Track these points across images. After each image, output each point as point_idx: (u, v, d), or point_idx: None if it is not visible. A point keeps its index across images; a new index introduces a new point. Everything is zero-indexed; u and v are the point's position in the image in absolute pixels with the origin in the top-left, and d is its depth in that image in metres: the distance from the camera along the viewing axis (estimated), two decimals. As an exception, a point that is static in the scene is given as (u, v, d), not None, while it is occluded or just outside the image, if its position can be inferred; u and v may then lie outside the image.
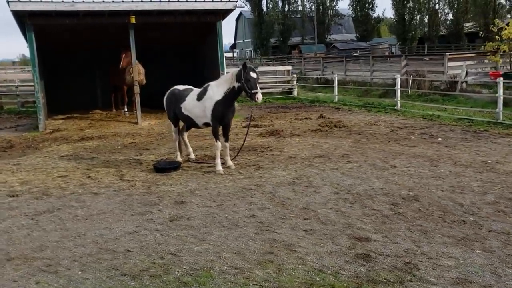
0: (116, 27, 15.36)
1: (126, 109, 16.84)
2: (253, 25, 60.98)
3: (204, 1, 14.51)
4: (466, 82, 20.32)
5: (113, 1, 13.62)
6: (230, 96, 8.05)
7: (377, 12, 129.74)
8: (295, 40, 63.53)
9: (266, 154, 9.75)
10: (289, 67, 24.80)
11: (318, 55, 52.53)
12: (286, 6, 62.08)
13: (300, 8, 63.64)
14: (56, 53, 17.06)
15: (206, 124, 8.53)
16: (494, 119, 12.94)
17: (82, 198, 6.90)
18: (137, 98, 14.86)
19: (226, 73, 9.26)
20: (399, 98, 16.78)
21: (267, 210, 6.05)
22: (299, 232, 5.22)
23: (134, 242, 5.09)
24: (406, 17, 63.35)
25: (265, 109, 18.18)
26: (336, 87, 20.76)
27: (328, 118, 14.98)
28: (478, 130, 11.86)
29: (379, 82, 25.46)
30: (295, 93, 23.25)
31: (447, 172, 7.75)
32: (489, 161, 8.42)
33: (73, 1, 13.18)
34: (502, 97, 12.82)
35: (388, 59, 36.59)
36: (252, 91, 7.63)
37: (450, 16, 60.18)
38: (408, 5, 63.43)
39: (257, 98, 7.64)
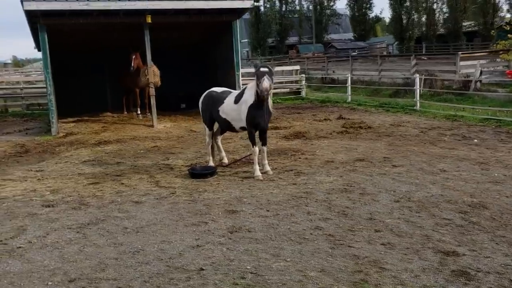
0: (128, 27, 14.88)
1: (139, 112, 16.33)
2: (250, 25, 60.47)
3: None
4: (480, 81, 20.04)
5: (129, 0, 13.14)
6: (260, 99, 7.62)
7: (375, 11, 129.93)
8: (292, 40, 63.15)
9: (299, 158, 9.34)
10: (297, 67, 24.39)
11: (316, 54, 52.26)
12: (283, 6, 61.65)
13: (297, 7, 63.27)
14: (64, 54, 16.50)
15: (243, 128, 8.12)
16: (524, 119, 12.63)
17: (124, 208, 6.45)
18: (153, 101, 14.39)
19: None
20: (418, 98, 16.44)
21: (331, 221, 5.63)
22: (377, 247, 4.81)
23: (202, 258, 4.64)
24: (404, 17, 63.31)
25: (277, 110, 17.75)
26: (349, 87, 20.40)
27: (348, 119, 14.59)
28: (510, 131, 11.53)
29: (388, 81, 25.16)
30: (303, 93, 22.87)
31: (502, 176, 7.38)
32: (540, 164, 8.07)
33: (88, 0, 12.67)
34: (531, 97, 12.49)
35: (386, 58, 36.39)
36: (258, 82, 7.19)
37: (448, 15, 60.05)
38: (405, 4, 63.37)
39: (263, 85, 7.11)
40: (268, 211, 6.07)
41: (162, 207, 6.43)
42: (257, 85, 7.29)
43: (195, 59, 19.46)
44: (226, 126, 8.31)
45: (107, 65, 17.99)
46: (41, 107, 20.15)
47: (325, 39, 62.88)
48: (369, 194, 6.67)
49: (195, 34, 17.70)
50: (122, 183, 7.89)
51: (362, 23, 65.36)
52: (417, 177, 7.47)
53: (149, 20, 13.51)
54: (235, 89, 15.37)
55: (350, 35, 66.11)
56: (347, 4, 64.81)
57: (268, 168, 8.13)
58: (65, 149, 11.51)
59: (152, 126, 14.42)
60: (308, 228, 5.38)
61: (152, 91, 14.34)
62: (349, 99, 20.02)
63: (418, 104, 16.31)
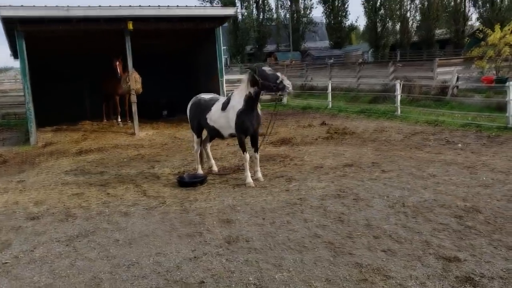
0: (108, 34, 14.63)
1: (119, 119, 16.02)
2: (228, 32, 60.51)
3: (204, 7, 13.95)
4: (457, 87, 20.41)
5: (110, 7, 12.91)
6: (250, 104, 7.54)
7: (350, 19, 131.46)
8: (270, 47, 63.46)
9: (289, 164, 9.27)
10: (278, 74, 24.33)
11: (294, 62, 52.57)
12: (261, 13, 61.97)
13: (274, 16, 63.66)
14: (40, 61, 16.09)
15: (232, 135, 7.99)
16: (503, 124, 12.85)
17: (113, 219, 6.23)
18: (134, 108, 14.13)
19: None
20: (399, 104, 16.61)
21: (328, 228, 5.55)
22: (378, 254, 4.74)
23: (201, 270, 4.49)
24: (378, 24, 64.38)
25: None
26: (330, 94, 20.52)
27: (332, 125, 14.63)
28: (491, 136, 11.70)
29: (366, 88, 25.40)
30: (285, 100, 22.87)
31: (490, 180, 7.44)
32: (526, 167, 8.18)
33: (68, 7, 12.39)
34: (511, 102, 12.73)
35: (362, 65, 36.81)
36: (277, 81, 7.10)
37: (421, 23, 61.33)
38: (380, 12, 64.48)
39: (288, 85, 7.08)
40: (264, 219, 5.95)
41: (153, 217, 6.24)
42: (271, 85, 7.16)
43: (177, 65, 19.29)
44: (215, 133, 8.17)
45: (86, 72, 17.62)
46: (17, 116, 19.60)
47: (302, 47, 63.42)
48: (363, 199, 6.63)
49: (177, 41, 17.53)
50: (108, 193, 7.66)
51: (338, 31, 66.12)
52: (408, 182, 7.47)
53: (130, 27, 13.30)
54: (219, 95, 15.33)
55: (326, 43, 66.82)
56: (323, 12, 65.52)
57: (259, 175, 8.01)
58: (45, 159, 11.17)
59: (134, 134, 14.15)
60: (307, 236, 5.28)
61: (133, 98, 14.09)
62: (330, 106, 20.12)
63: (399, 110, 16.48)
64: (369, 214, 5.98)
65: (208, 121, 8.01)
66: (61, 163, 10.60)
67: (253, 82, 7.31)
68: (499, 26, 22.95)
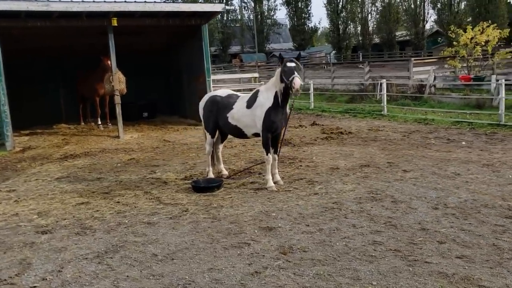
0: (88, 32, 13.73)
1: (100, 122, 15.10)
2: (191, 33, 59.56)
3: (191, 3, 13.32)
4: (434, 86, 20.66)
5: (93, 1, 12.07)
6: (280, 101, 7.05)
7: (313, 21, 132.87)
8: (235, 49, 63.04)
9: (301, 165, 8.85)
10: (256, 74, 23.96)
11: (259, 63, 52.35)
12: (225, 15, 61.41)
13: (239, 17, 63.29)
14: (12, 60, 14.92)
15: (256, 135, 7.47)
16: (495, 121, 12.94)
17: (138, 230, 5.59)
18: (118, 109, 13.30)
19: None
20: (385, 103, 16.55)
21: (384, 233, 5.15)
22: (455, 260, 4.38)
23: (271, 287, 3.96)
24: (341, 27, 65.29)
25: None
26: (312, 94, 20.28)
27: (323, 125, 14.37)
28: (488, 133, 11.72)
29: (342, 88, 25.39)
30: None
31: (517, 178, 7.29)
32: (543, 164, 8.11)
33: (48, 0, 11.47)
34: (504, 99, 12.84)
35: (324, 66, 36.86)
36: (289, 78, 6.60)
37: (382, 25, 62.61)
38: (342, 14, 65.39)
39: (294, 83, 6.53)
40: (308, 225, 5.48)
41: (183, 227, 5.64)
42: (284, 83, 6.68)
43: (159, 65, 18.48)
44: (237, 133, 7.61)
45: (62, 72, 16.54)
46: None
47: (266, 49, 63.38)
48: (402, 202, 6.28)
49: (159, 39, 16.76)
50: (118, 202, 6.97)
51: (302, 33, 66.59)
52: (437, 182, 7.20)
53: (115, 23, 12.50)
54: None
55: (290, 44, 67.12)
56: (286, 14, 65.81)
57: (278, 177, 7.54)
58: (28, 165, 10.24)
59: (118, 137, 13.33)
60: (367, 243, 4.86)
61: (117, 99, 13.26)
62: (312, 106, 19.87)
63: (385, 109, 16.41)
64: (418, 218, 5.63)
65: (230, 120, 7.43)
66: (48, 169, 9.73)
67: (281, 77, 6.82)
68: (471, 27, 23.47)
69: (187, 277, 4.25)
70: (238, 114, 7.31)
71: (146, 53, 17.82)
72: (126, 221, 5.98)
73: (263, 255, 4.65)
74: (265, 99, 7.04)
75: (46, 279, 4.34)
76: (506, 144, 10.10)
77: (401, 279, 4.00)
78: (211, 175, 8.04)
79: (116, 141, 13.00)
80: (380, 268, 4.22)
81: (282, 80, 6.81)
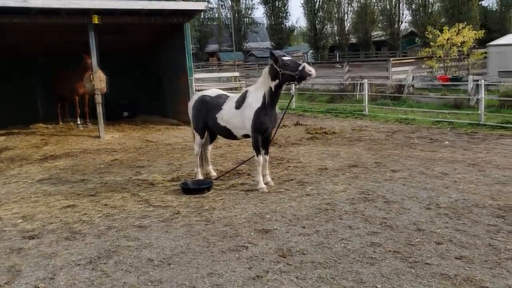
0: (68, 29, 13.38)
1: (79, 122, 14.75)
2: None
3: (174, 0, 13.15)
4: (413, 86, 20.95)
5: (74, -3, 11.76)
6: (270, 101, 6.98)
7: (291, 21, 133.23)
8: (212, 47, 62.74)
9: (289, 166, 8.81)
10: (236, 73, 23.84)
11: (237, 62, 52.27)
12: (203, 13, 60.99)
13: (216, 15, 63.00)
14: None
15: (245, 136, 7.38)
16: (475, 120, 13.18)
17: (130, 234, 5.44)
18: (99, 109, 13.02)
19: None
20: (367, 103, 16.68)
21: (381, 234, 5.14)
22: (454, 261, 4.39)
23: (275, 292, 3.90)
24: (318, 26, 65.70)
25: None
26: (295, 94, 20.25)
27: (307, 125, 14.38)
28: (469, 132, 11.93)
29: (321, 88, 25.50)
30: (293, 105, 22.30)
31: (503, 178, 7.40)
32: (527, 164, 8.27)
33: (26, -5, 11.12)
34: (483, 99, 13.09)
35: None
36: (299, 68, 6.54)
37: (359, 25, 63.30)
38: (319, 14, 65.81)
39: (309, 70, 6.50)
40: (304, 227, 5.43)
41: (176, 231, 5.52)
42: (279, 79, 6.66)
43: (139, 64, 18.15)
44: (226, 134, 7.50)
45: (39, 71, 16.08)
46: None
47: (244, 47, 63.28)
48: (394, 202, 6.30)
49: (140, 37, 16.46)
50: (105, 204, 6.79)
51: (279, 32, 66.72)
52: (426, 182, 7.26)
53: (96, 20, 12.22)
54: (188, 95, 14.52)
55: (268, 43, 67.18)
56: (264, 13, 65.82)
57: (269, 179, 7.47)
58: (6, 166, 9.92)
59: (99, 137, 13.05)
60: (365, 245, 4.84)
61: (98, 98, 12.98)
62: (294, 106, 19.86)
63: (367, 109, 16.54)
64: (412, 218, 5.64)
65: (219, 120, 7.32)
66: (28, 170, 9.43)
67: (274, 74, 6.75)
68: (447, 28, 23.91)
69: (187, 282, 4.14)
70: (227, 115, 7.21)
71: (127, 51, 17.50)
72: (117, 225, 5.82)
73: (262, 259, 4.58)
74: (254, 100, 6.96)
75: (38, 287, 4.17)
76: (488, 143, 10.28)
77: (404, 281, 3.99)
78: (200, 176, 7.92)
79: (97, 141, 12.72)
80: (382, 271, 4.20)
81: (275, 78, 6.74)
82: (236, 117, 7.11)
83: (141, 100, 17.97)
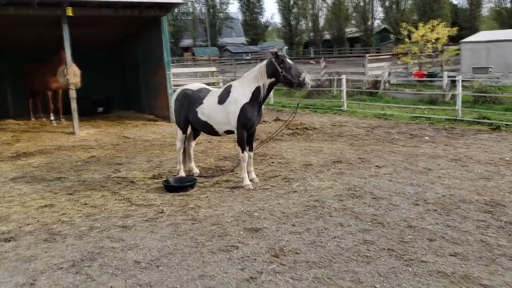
0: (40, 21, 12.89)
1: (52, 117, 14.25)
2: (141, 26, 57.97)
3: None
4: (388, 81, 21.14)
5: (46, -12, 11.31)
6: (259, 97, 6.84)
7: (265, 17, 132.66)
8: (186, 42, 62.04)
9: (273, 162, 8.69)
10: (214, 68, 23.54)
11: (211, 57, 51.83)
12: (176, 7, 60.18)
13: (190, 9, 62.30)
14: None
15: (228, 132, 7.19)
16: (452, 116, 13.34)
17: (114, 235, 5.21)
18: (74, 104, 12.60)
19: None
20: (345, 99, 16.70)
21: (373, 232, 5.06)
22: (449, 258, 4.34)
23: (271, 294, 3.76)
24: (292, 23, 65.80)
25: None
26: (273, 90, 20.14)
27: (286, 120, 14.25)
28: (447, 128, 12.05)
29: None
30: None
31: (485, 173, 7.46)
32: (506, 158, 8.36)
33: (-5, -14, 10.63)
34: (460, 95, 13.24)
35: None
36: (300, 78, 6.51)
37: (332, 21, 63.61)
38: (293, 10, 65.88)
39: (308, 82, 6.55)
40: (294, 225, 5.31)
41: (162, 230, 5.32)
42: (276, 77, 6.56)
43: (115, 58, 17.68)
44: (207, 130, 7.29)
45: (8, 65, 15.45)
46: None
47: (219, 43, 62.80)
48: (382, 198, 6.24)
49: (117, 31, 16.03)
50: (85, 204, 6.52)
51: (254, 27, 66.53)
52: (411, 178, 7.25)
53: (69, 12, 11.79)
54: (165, 90, 14.23)
55: (243, 39, 66.86)
56: (239, 8, 65.49)
57: (254, 175, 7.33)
58: (-24, 165, 9.46)
59: (73, 133, 12.63)
60: (358, 243, 4.75)
61: (72, 93, 12.55)
62: (272, 101, 19.77)
63: (345, 105, 16.56)
64: (402, 214, 5.59)
65: (199, 115, 7.11)
66: (0, 169, 9.01)
67: (272, 72, 6.60)
68: (422, 25, 24.22)
69: (177, 286, 3.96)
70: (209, 110, 7.00)
71: (102, 45, 17.02)
72: (98, 225, 5.57)
73: (255, 259, 4.43)
74: (241, 95, 6.78)
75: (18, 293, 3.92)
76: (467, 139, 10.39)
77: (402, 280, 3.91)
78: (182, 173, 7.70)
79: (71, 137, 12.31)
80: (379, 269, 4.11)
81: (272, 75, 6.61)
82: (219, 112, 6.92)
83: (116, 96, 17.53)
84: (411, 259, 4.32)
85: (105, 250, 4.77)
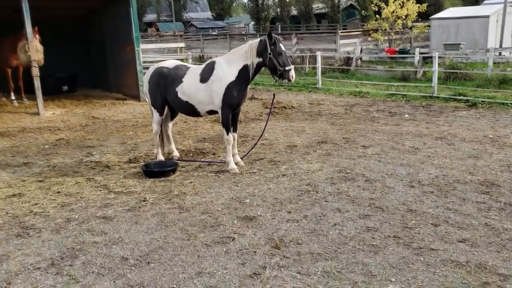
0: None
1: (13, 97, 13.34)
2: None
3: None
4: (361, 58, 20.99)
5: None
6: (246, 76, 6.42)
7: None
8: (150, 17, 60.12)
9: (256, 144, 8.31)
10: (182, 44, 22.72)
11: (177, 33, 50.44)
12: (139, -20, 58.05)
13: (154, -17, 60.25)
14: None
15: (210, 112, 6.75)
16: (428, 93, 13.28)
17: (95, 228, 4.76)
18: (37, 83, 11.76)
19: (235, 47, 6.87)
20: (320, 77, 16.41)
21: (374, 217, 4.81)
22: (458, 245, 4.14)
23: (279, 292, 3.44)
24: (259, -3, 64.68)
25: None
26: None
27: (262, 99, 13.90)
28: (424, 105, 11.97)
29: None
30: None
31: (473, 151, 7.35)
32: (490, 136, 8.30)
33: None
34: (437, 72, 13.16)
35: (244, 37, 36.40)
36: (286, 68, 6.14)
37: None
38: (260, -15, 64.71)
39: (292, 76, 6.18)
40: (290, 212, 5.00)
41: (148, 221, 4.90)
42: (263, 58, 6.17)
43: (79, 33, 16.63)
44: (188, 110, 6.82)
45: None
46: None
47: (184, 18, 61.19)
48: (375, 180, 6.01)
49: (81, 3, 15.02)
50: (58, 192, 6.00)
51: (220, 2, 65.12)
52: (400, 158, 7.06)
53: (29, -18, 10.86)
54: (135, 67, 13.52)
55: (208, 14, 65.41)
56: (204, -18, 63.80)
57: (239, 158, 6.95)
58: None
59: (38, 113, 11.84)
60: (361, 230, 4.48)
61: (35, 70, 11.71)
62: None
63: (320, 83, 16.28)
64: (400, 198, 5.38)
65: (180, 95, 6.61)
66: (-42, 154, 8.29)
67: (261, 51, 6.17)
68: (393, 0, 24.06)
69: (174, 286, 3.58)
70: (190, 89, 6.52)
71: (65, 19, 15.96)
72: (76, 217, 5.09)
73: (255, 251, 4.10)
74: (226, 73, 6.33)
75: (-8, 301, 3.46)
76: (447, 116, 10.31)
77: (417, 272, 3.66)
78: (161, 157, 7.24)
79: (36, 118, 11.53)
80: (389, 260, 3.86)
81: (262, 55, 6.18)
82: (201, 91, 6.46)
83: (81, 73, 16.61)
84: (420, 247, 4.09)
85: (87, 246, 4.33)
